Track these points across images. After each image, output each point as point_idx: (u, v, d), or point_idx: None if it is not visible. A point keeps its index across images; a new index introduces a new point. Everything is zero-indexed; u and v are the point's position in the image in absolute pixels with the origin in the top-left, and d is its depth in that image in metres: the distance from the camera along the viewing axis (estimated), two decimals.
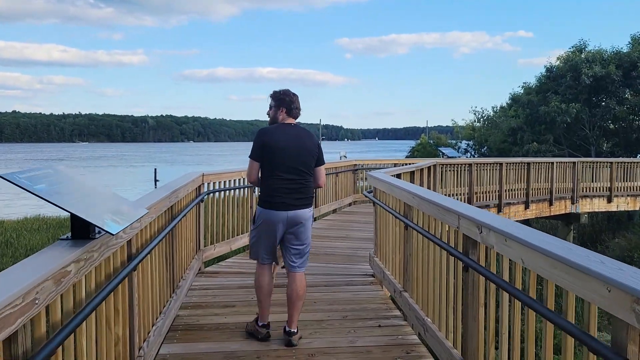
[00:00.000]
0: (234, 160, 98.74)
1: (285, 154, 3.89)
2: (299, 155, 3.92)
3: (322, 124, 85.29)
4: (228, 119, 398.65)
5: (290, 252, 4.05)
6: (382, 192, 5.45)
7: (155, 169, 54.48)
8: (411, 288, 4.52)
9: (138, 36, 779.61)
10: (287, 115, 4.07)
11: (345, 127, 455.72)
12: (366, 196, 6.13)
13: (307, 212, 4.00)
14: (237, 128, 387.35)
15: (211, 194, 6.43)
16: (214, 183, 6.45)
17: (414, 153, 59.55)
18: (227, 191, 6.85)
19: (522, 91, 32.55)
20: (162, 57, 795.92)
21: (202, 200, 6.02)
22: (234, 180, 6.91)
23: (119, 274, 2.79)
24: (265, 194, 3.97)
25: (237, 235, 7.18)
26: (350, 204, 12.13)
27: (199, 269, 6.23)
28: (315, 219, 9.92)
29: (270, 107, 4.13)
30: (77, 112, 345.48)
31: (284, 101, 4.06)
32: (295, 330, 4.10)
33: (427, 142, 59.45)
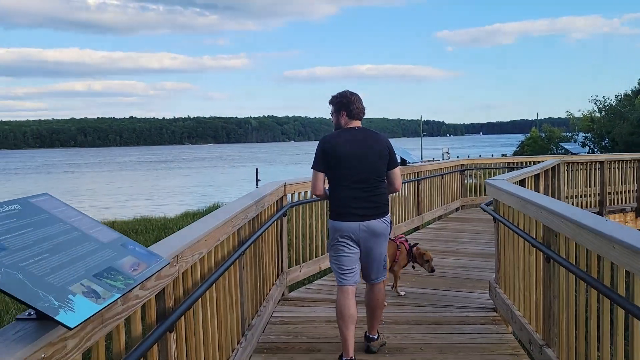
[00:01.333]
0: None
1: (350, 160, 3.62)
2: (367, 161, 3.63)
3: (422, 119, 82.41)
4: (327, 118, 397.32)
5: (367, 266, 3.79)
6: (508, 208, 4.20)
7: (257, 169, 55.46)
8: (559, 346, 3.25)
9: (241, 40, 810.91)
10: (349, 119, 3.76)
11: (447, 123, 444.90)
12: (484, 210, 4.87)
13: (382, 222, 3.69)
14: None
15: (295, 206, 5.53)
16: (298, 193, 5.55)
17: (523, 148, 55.90)
18: (315, 202, 5.89)
19: None
20: (264, 59, 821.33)
21: (284, 215, 5.12)
22: None
23: (141, 344, 1.89)
24: (335, 205, 3.71)
25: (327, 253, 6.20)
26: (457, 209, 10.77)
27: (282, 295, 5.32)
28: (418, 228, 8.74)
29: (332, 114, 3.86)
30: (187, 116, 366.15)
31: (342, 104, 3.77)
32: (376, 336, 3.97)
33: (539, 135, 55.51)
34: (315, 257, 5.98)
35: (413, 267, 5.44)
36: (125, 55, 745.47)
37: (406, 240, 5.46)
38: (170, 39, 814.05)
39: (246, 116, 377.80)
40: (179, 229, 3.22)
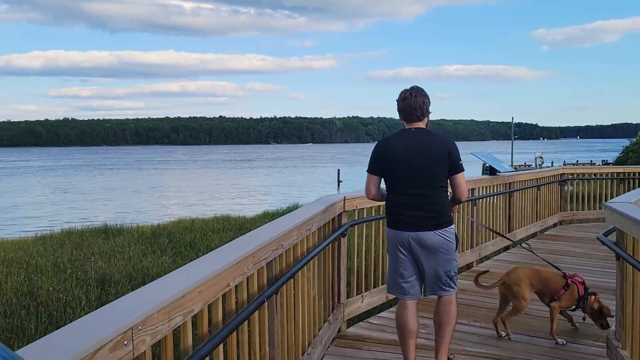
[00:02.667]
0: None
1: (402, 164, 3.43)
2: (420, 165, 3.40)
3: (514, 121, 78.36)
4: None
5: (429, 280, 3.48)
6: None
7: (338, 170, 54.96)
8: None
9: (327, 42, 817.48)
10: (404, 120, 3.56)
11: (540, 125, 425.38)
12: (603, 242, 3.69)
13: (438, 235, 3.36)
14: None
15: (358, 224, 4.59)
16: (361, 209, 4.61)
17: (627, 154, 51.50)
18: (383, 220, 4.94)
19: None
20: (350, 60, 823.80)
21: (343, 234, 4.23)
22: None
23: None
24: (389, 211, 3.55)
25: None
26: (555, 225, 9.32)
27: (337, 332, 4.40)
28: (508, 247, 7.47)
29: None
30: (273, 116, 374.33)
31: (398, 104, 3.57)
32: None
33: None
34: (382, 284, 4.99)
35: (583, 318, 4.61)
36: (216, 57, 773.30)
37: (582, 283, 4.50)
38: (259, 41, 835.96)
39: (331, 116, 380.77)
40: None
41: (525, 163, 58.98)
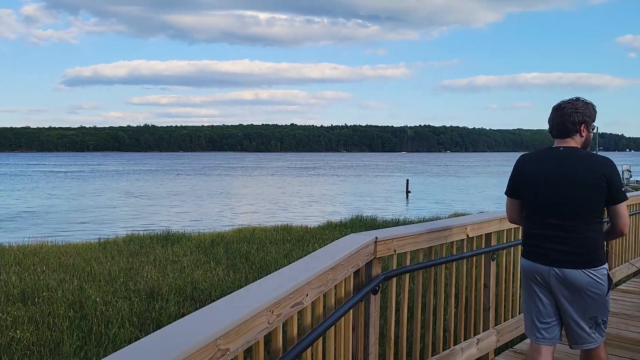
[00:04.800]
0: (481, 173, 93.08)
1: (540, 187, 2.93)
2: (562, 191, 2.86)
3: (598, 132, 73.47)
4: (487, 128, 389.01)
5: (569, 327, 2.92)
6: None
7: (407, 180, 53.45)
8: None
9: (400, 50, 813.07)
10: (554, 135, 3.01)
11: (627, 136, 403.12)
12: None
13: (586, 274, 2.80)
14: (497, 137, 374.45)
15: (397, 276, 3.25)
16: (399, 255, 3.26)
17: None
18: (436, 266, 3.56)
19: None
20: (422, 69, 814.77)
21: (374, 291, 2.95)
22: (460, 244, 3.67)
23: None
24: (524, 238, 3.11)
25: None
26: None
27: None
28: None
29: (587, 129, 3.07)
30: (343, 124, 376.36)
31: (550, 114, 3.05)
32: None
33: None
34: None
35: None
36: (289, 65, 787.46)
37: None
38: (332, 50, 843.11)
39: (402, 125, 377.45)
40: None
41: None
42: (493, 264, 3.57)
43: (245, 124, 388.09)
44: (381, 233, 3.05)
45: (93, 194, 47.86)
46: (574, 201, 2.87)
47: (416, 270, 3.37)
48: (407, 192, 49.48)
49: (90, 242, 16.35)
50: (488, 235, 3.57)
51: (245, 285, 2.00)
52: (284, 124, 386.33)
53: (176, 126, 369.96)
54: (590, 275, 2.85)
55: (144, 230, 20.56)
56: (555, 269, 2.90)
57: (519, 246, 3.89)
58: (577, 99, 3.02)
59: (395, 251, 3.14)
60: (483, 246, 3.57)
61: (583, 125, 2.96)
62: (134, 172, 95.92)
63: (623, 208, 2.92)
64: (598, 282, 2.87)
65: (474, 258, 3.36)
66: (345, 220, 22.64)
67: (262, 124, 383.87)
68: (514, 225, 3.76)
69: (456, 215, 25.42)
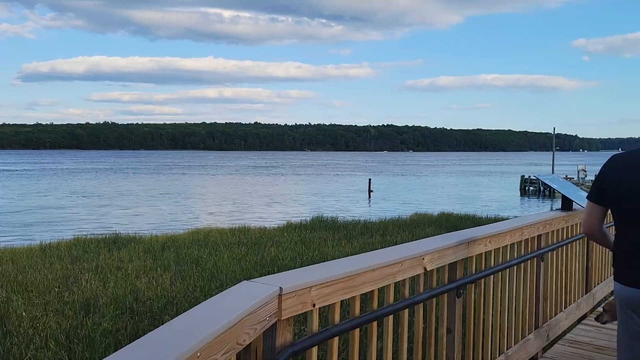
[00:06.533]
0: (441, 173, 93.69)
1: (637, 195, 2.39)
2: None
3: (555, 133, 74.91)
4: (449, 128, 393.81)
5: None
6: None
7: (369, 180, 53.07)
8: None
9: (364, 50, 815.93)
10: None
11: (580, 137, 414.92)
12: None
13: None
14: (458, 137, 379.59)
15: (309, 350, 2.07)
16: (327, 308, 2.14)
17: None
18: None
19: None
20: (386, 69, 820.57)
21: None
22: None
23: None
24: (617, 258, 2.54)
25: None
26: None
27: None
28: (585, 316, 5.17)
29: None
30: (308, 123, 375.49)
31: None
32: None
33: None
34: None
35: None
36: (254, 64, 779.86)
37: None
38: (296, 49, 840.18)
39: (366, 124, 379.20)
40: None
41: (567, 176, 56.14)
42: (459, 302, 2.76)
43: (208, 122, 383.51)
44: (291, 279, 1.97)
45: (40, 193, 45.75)
46: None
47: (348, 331, 2.21)
48: (370, 191, 49.07)
49: (31, 247, 15.37)
50: (452, 266, 2.73)
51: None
52: (247, 123, 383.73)
53: (138, 124, 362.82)
54: None
55: (92, 233, 19.44)
56: None
57: (492, 276, 3.18)
58: None
59: (315, 305, 2.01)
60: (446, 281, 2.71)
61: None
62: (87, 170, 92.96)
63: None
64: None
65: (434, 299, 2.52)
66: (305, 221, 21.95)
67: (226, 122, 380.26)
68: (482, 251, 3.00)
69: (418, 215, 25.12)
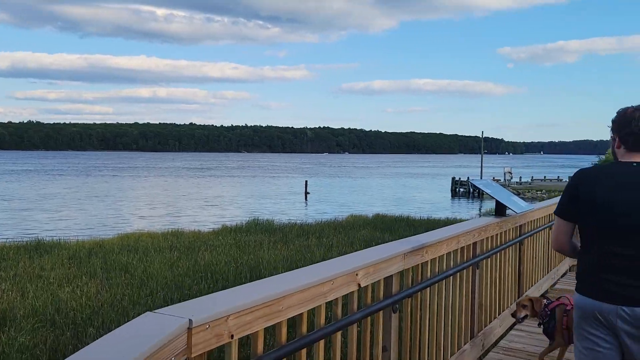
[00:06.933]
0: (375, 175, 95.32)
1: (611, 210, 2.41)
2: (638, 215, 2.38)
3: (483, 136, 77.75)
4: (383, 131, 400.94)
5: None
6: None
7: (306, 182, 53.06)
8: None
9: (301, 52, 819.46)
10: (625, 149, 2.52)
11: (506, 140, 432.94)
12: None
13: None
14: (392, 140, 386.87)
15: None
16: (244, 342, 2.08)
17: None
18: None
19: None
20: (322, 71, 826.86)
21: None
22: None
23: None
24: (581, 271, 2.55)
25: None
26: (565, 274, 7.23)
27: None
28: (515, 323, 5.18)
29: (612, 139, 2.64)
30: (244, 124, 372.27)
31: (616, 125, 2.56)
32: None
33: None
34: None
35: None
36: (189, 63, 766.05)
37: None
38: (233, 50, 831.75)
39: (302, 126, 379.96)
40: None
41: (494, 177, 58.36)
42: (395, 318, 2.60)
43: (141, 122, 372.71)
44: (204, 307, 1.66)
45: None
46: None
47: None
48: (306, 193, 49.04)
49: None
50: (388, 280, 2.57)
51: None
52: (182, 123, 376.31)
53: (65, 123, 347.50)
54: None
55: (11, 239, 18.30)
56: (626, 308, 2.40)
57: (429, 288, 3.06)
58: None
59: (233, 336, 1.74)
60: (381, 296, 2.54)
61: None
62: (8, 172, 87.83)
63: None
64: None
65: (369, 317, 2.34)
66: (241, 224, 21.56)
67: (160, 123, 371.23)
68: (419, 262, 2.87)
69: (353, 217, 25.22)
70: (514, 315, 3.83)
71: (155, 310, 1.48)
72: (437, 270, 3.19)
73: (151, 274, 11.93)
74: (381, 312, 2.48)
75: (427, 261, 3.00)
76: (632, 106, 2.56)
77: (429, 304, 3.08)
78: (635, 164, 2.46)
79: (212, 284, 11.08)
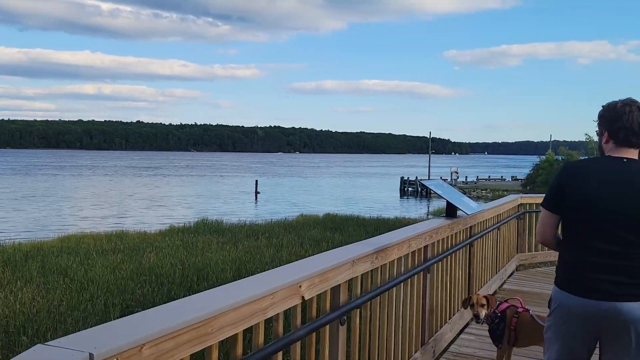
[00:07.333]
0: (325, 174, 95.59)
1: (598, 205, 2.40)
2: (626, 211, 2.36)
3: (430, 137, 78.99)
4: (334, 131, 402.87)
5: None
6: None
7: (256, 181, 52.54)
8: None
9: (251, 51, 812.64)
10: (614, 144, 2.49)
11: (452, 141, 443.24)
12: None
13: None
14: (343, 140, 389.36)
15: None
16: None
17: (537, 171, 52.87)
18: None
19: None
20: (273, 70, 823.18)
21: None
22: None
23: None
24: (563, 266, 2.53)
25: None
26: (512, 273, 7.23)
27: None
28: (467, 325, 5.07)
29: (598, 134, 2.64)
30: (194, 123, 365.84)
31: (605, 119, 2.54)
32: None
33: (555, 159, 52.64)
34: None
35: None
36: (136, 60, 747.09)
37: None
38: (182, 47, 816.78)
39: (253, 125, 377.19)
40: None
41: (441, 177, 59.56)
42: (342, 331, 2.38)
43: (85, 119, 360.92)
44: (110, 336, 1.37)
45: None
46: (638, 223, 2.38)
47: None
48: (257, 192, 48.54)
49: None
50: (335, 290, 2.34)
51: None
52: (129, 121, 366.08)
53: (3, 120, 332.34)
54: None
55: None
56: (608, 304, 2.39)
57: (379, 297, 2.84)
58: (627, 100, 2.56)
59: None
60: (328, 308, 2.32)
61: None
62: None
63: None
64: None
65: (314, 333, 2.12)
66: (189, 224, 21.04)
67: (105, 120, 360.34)
68: (369, 269, 2.67)
69: (303, 217, 25.03)
70: (476, 316, 3.73)
71: (47, 343, 1.19)
72: (387, 277, 3.01)
73: (92, 277, 11.44)
74: (327, 326, 2.28)
75: (377, 267, 2.82)
76: (620, 100, 2.52)
77: (379, 313, 2.91)
78: (625, 160, 2.44)
79: (156, 287, 10.70)
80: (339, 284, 2.34)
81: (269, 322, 1.91)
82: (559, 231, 2.62)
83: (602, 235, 2.40)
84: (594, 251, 2.41)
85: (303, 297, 2.02)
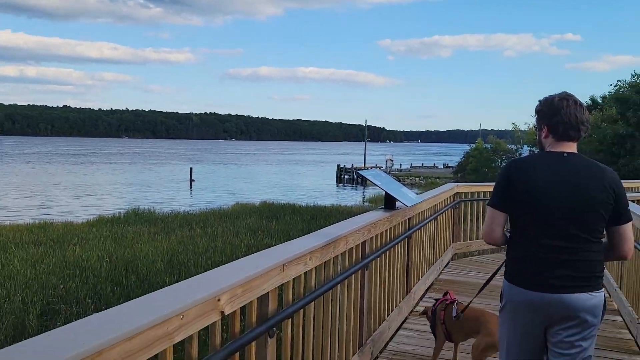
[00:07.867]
0: (261, 162, 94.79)
1: (542, 201, 2.43)
2: (570, 206, 2.40)
3: (366, 125, 79.76)
4: (270, 118, 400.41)
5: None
6: None
7: (191, 169, 51.32)
8: None
9: (185, 35, 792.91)
10: (554, 138, 2.49)
11: (387, 129, 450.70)
12: None
13: (586, 299, 2.41)
14: (280, 127, 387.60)
15: None
16: None
17: (468, 159, 54.48)
18: None
19: (613, 91, 27.40)
20: (208, 55, 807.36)
21: None
22: None
23: None
24: (512, 261, 2.56)
25: None
26: (448, 264, 7.19)
27: None
28: (406, 319, 4.91)
29: (536, 128, 2.67)
30: (125, 108, 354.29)
31: (543, 114, 2.54)
32: None
33: (484, 147, 54.30)
34: None
35: None
36: (62, 41, 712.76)
37: None
38: (112, 29, 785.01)
39: (188, 112, 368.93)
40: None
41: (376, 165, 60.31)
42: (271, 344, 2.10)
43: (6, 103, 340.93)
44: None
45: None
46: (581, 220, 2.42)
47: None
48: (191, 180, 47.41)
49: None
50: (262, 300, 2.08)
51: None
52: (55, 106, 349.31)
53: None
54: (594, 298, 2.44)
55: None
56: (554, 296, 2.44)
57: (313, 303, 2.59)
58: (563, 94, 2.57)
59: None
60: (254, 320, 2.04)
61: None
62: None
63: (629, 229, 2.52)
64: (599, 305, 2.45)
65: (237, 353, 1.82)
66: (119, 214, 20.16)
67: (29, 105, 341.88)
68: (302, 272, 2.40)
69: (239, 205, 24.56)
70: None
71: None
72: (323, 278, 2.76)
73: (10, 272, 10.67)
74: (254, 342, 1.98)
75: (311, 269, 2.56)
76: (557, 94, 2.52)
77: (314, 319, 2.65)
78: (565, 154, 2.46)
79: (80, 282, 10.10)
80: (267, 292, 2.05)
81: (180, 345, 1.59)
82: (506, 228, 2.62)
83: (547, 230, 2.42)
84: (540, 246, 2.45)
85: (222, 313, 1.71)
